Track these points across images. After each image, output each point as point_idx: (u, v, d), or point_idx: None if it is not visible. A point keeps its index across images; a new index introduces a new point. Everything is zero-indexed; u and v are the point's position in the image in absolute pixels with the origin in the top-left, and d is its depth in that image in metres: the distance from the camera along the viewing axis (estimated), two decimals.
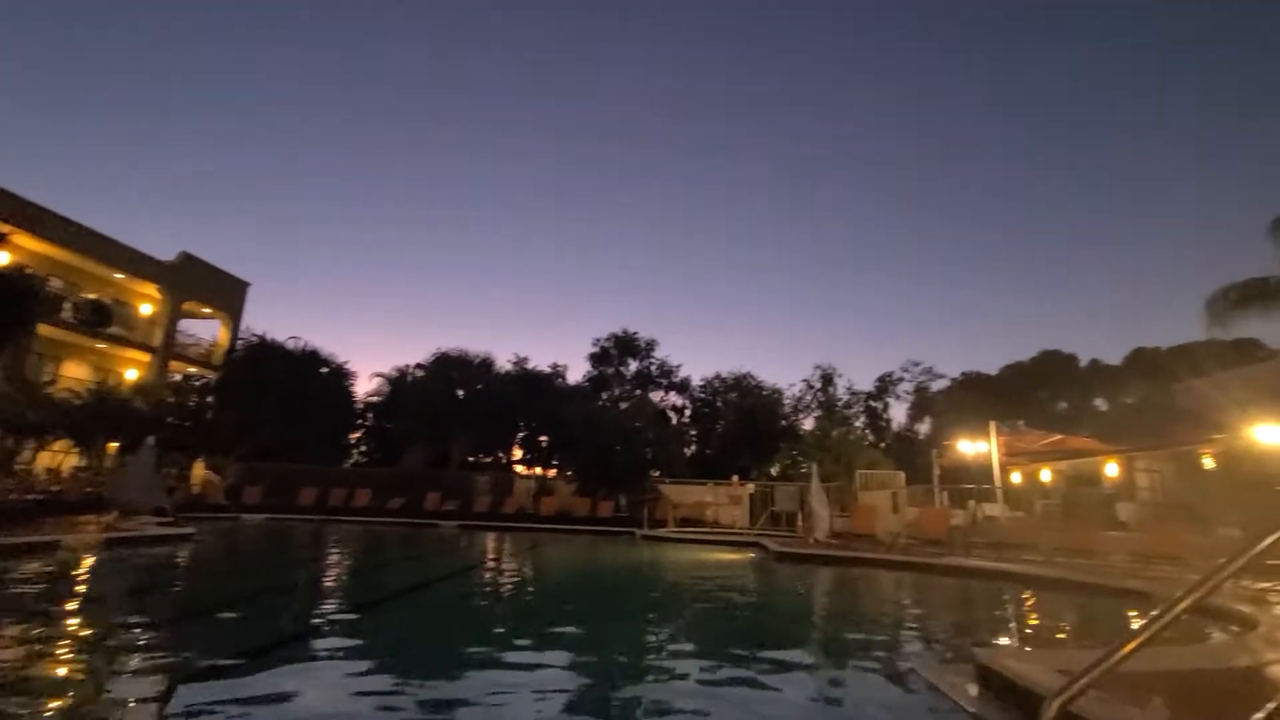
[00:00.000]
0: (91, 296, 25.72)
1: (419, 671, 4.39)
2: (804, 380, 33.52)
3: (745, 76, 59.15)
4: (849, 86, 56.25)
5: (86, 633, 5.10)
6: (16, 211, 22.54)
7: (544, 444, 30.44)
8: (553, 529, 20.03)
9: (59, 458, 20.11)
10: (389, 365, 33.49)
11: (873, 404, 35.36)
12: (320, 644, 5.09)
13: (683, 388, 32.32)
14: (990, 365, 37.98)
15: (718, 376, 32.77)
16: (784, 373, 68.36)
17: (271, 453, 24.58)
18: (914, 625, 7.34)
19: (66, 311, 24.01)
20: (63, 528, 11.36)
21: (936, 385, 36.72)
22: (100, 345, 26.03)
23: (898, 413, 37.18)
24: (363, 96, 56.28)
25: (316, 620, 6.11)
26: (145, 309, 28.68)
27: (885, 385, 35.96)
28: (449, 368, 29.91)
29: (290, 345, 28.29)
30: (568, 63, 57.65)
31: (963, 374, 37.73)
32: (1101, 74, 52.95)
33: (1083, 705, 2.69)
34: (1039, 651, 5.59)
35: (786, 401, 32.76)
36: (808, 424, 32.06)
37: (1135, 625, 2.66)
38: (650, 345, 31.99)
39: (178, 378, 27.91)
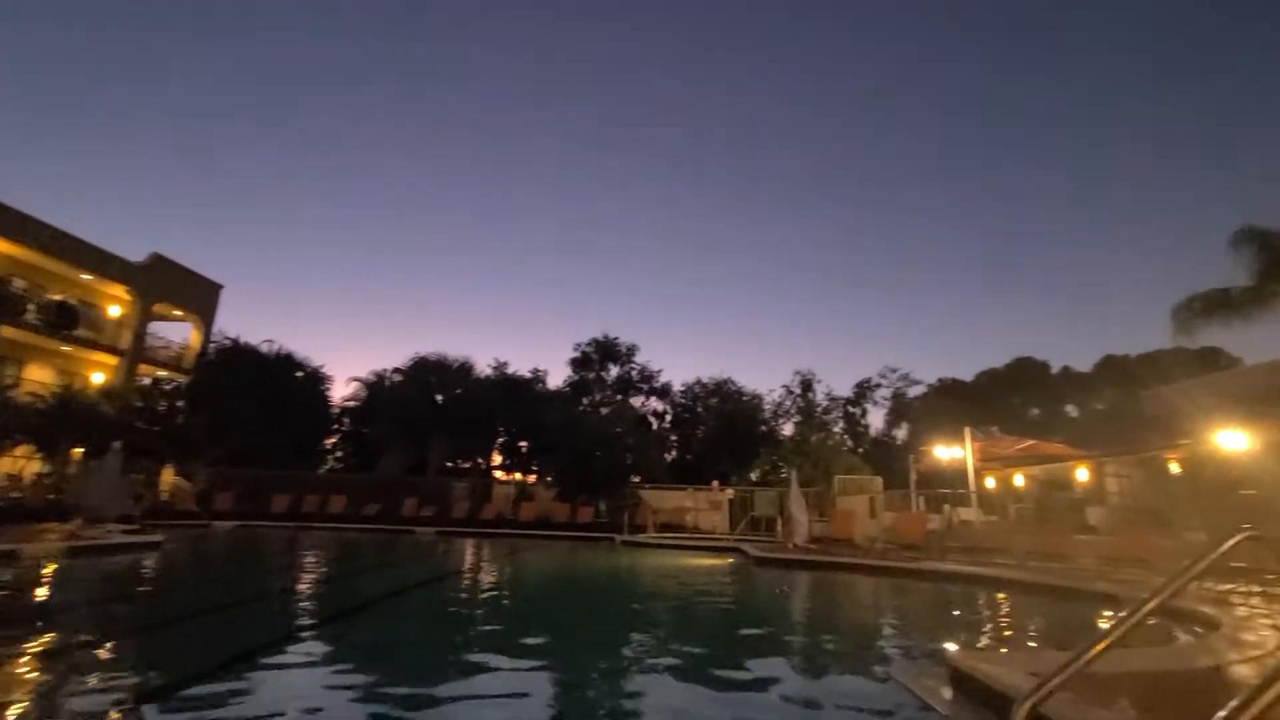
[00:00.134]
0: (57, 298, 25.04)
1: (392, 683, 4.31)
2: (784, 386, 33.76)
3: (725, 86, 59.70)
4: (826, 96, 57.06)
5: (43, 647, 4.93)
6: None
7: (524, 449, 30.22)
8: (532, 535, 19.88)
9: (20, 463, 19.50)
10: (366, 370, 33.11)
11: (851, 410, 35.70)
12: (290, 656, 4.97)
13: (663, 393, 32.33)
14: (966, 372, 38.71)
15: (698, 382, 32.86)
16: (764, 378, 68.80)
17: (244, 458, 24.07)
18: (890, 629, 7.40)
19: (30, 313, 23.33)
20: (23, 536, 10.99)
21: (914, 391, 37.21)
22: (66, 348, 25.33)
23: (876, 418, 37.59)
24: (340, 97, 55.74)
25: (286, 631, 5.98)
26: (114, 311, 27.98)
27: (863, 391, 36.33)
28: (427, 372, 29.59)
29: (264, 349, 27.80)
30: (547, 67, 57.70)
31: (939, 380, 38.33)
32: (1076, 86, 54.36)
33: (1052, 707, 2.72)
34: (1011, 654, 5.66)
35: (766, 407, 32.95)
36: (787, 429, 32.30)
37: (1104, 627, 2.70)
38: (631, 350, 31.98)
39: (147, 381, 27.23)
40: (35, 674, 4.14)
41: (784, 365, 61.87)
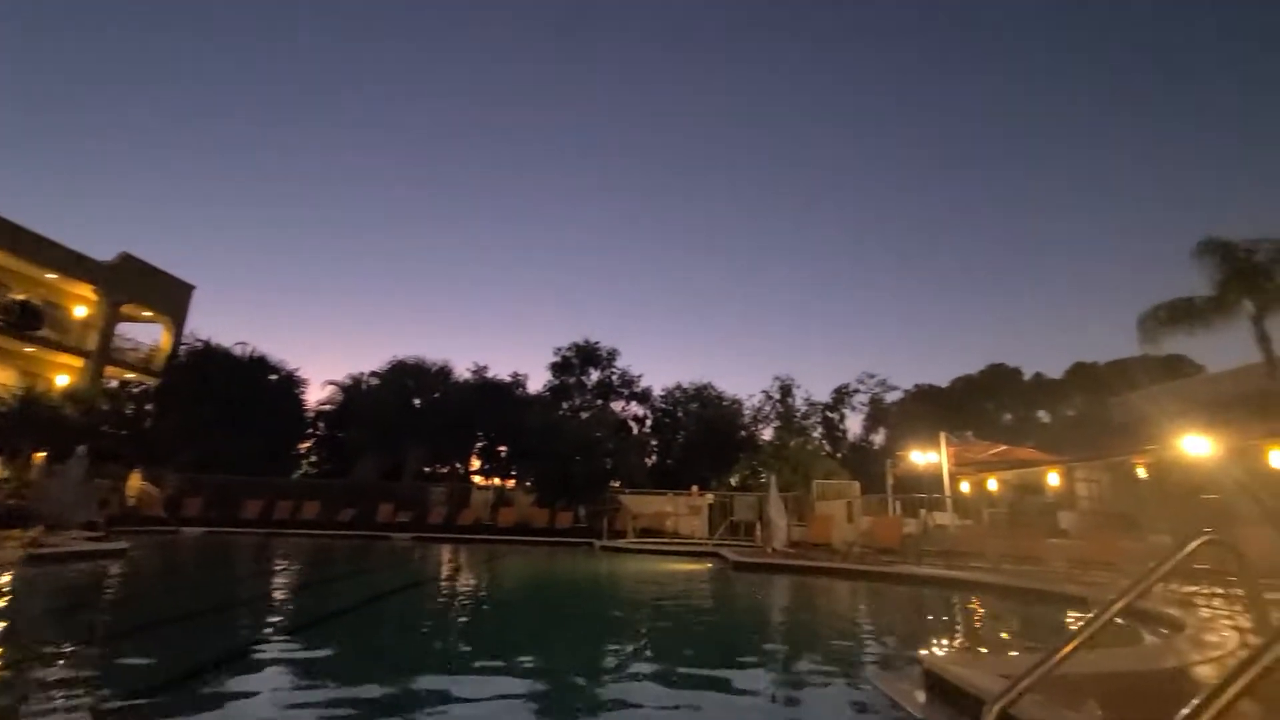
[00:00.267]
0: (20, 297, 24.34)
1: (358, 696, 4.22)
2: (763, 391, 34.01)
3: (702, 90, 60.12)
4: (805, 104, 57.75)
5: None
6: None
7: (503, 454, 30.01)
8: (510, 540, 19.72)
9: None
10: (343, 373, 32.60)
11: (830, 415, 36.06)
12: (251, 669, 4.83)
13: (644, 398, 32.37)
14: (942, 378, 39.29)
15: (679, 387, 32.97)
16: (744, 383, 69.24)
17: (214, 463, 23.54)
18: (866, 633, 7.45)
19: None
20: None
21: (891, 397, 37.71)
22: (29, 349, 24.61)
23: (854, 424, 38.03)
24: (318, 98, 55.04)
25: (253, 641, 5.83)
26: (80, 311, 27.25)
27: (842, 396, 36.74)
28: (405, 376, 29.26)
29: (237, 351, 27.26)
30: (526, 71, 57.61)
31: (916, 386, 38.86)
32: (1053, 98, 55.68)
33: (1022, 709, 2.75)
34: (984, 657, 5.74)
35: (746, 412, 33.16)
36: (767, 434, 32.50)
37: (1073, 629, 2.75)
38: (612, 355, 31.98)
39: (114, 384, 26.53)
40: None
41: (764, 370, 62.55)
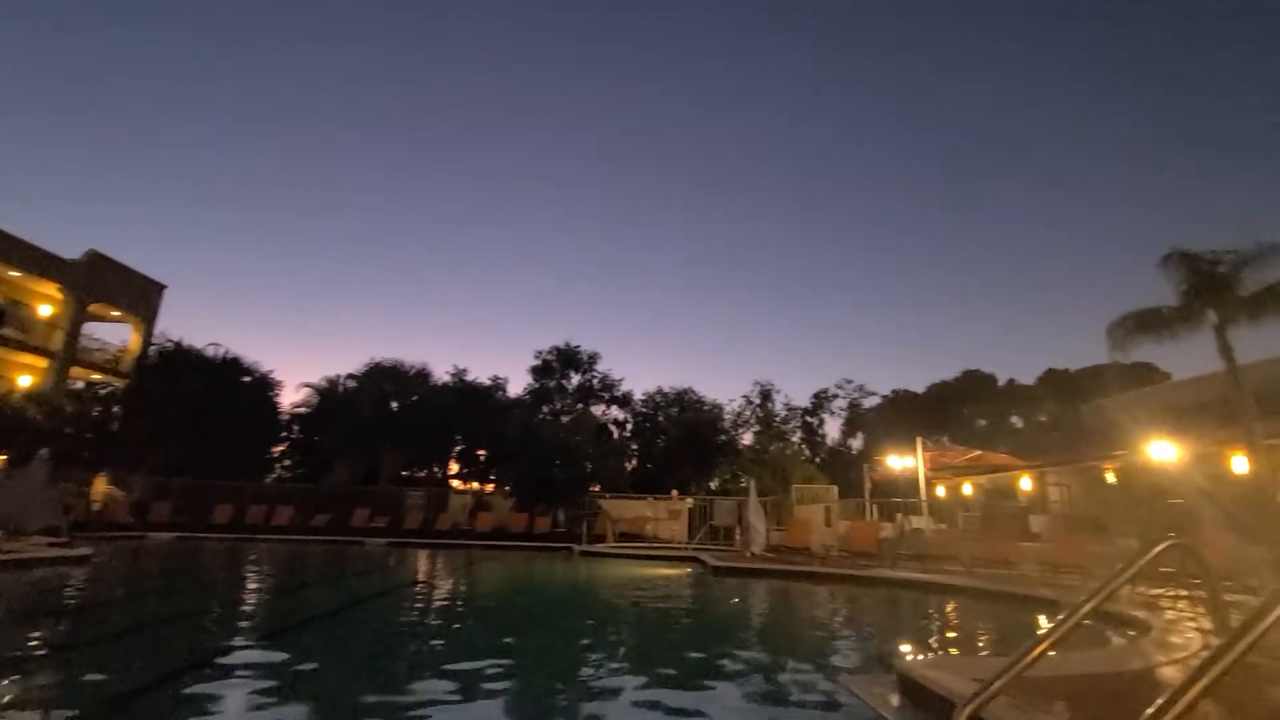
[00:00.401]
0: None
1: (325, 708, 4.14)
2: (744, 396, 34.18)
3: (683, 96, 60.49)
4: (784, 112, 58.37)
5: None
6: None
7: (482, 458, 29.72)
8: (488, 545, 19.53)
9: None
10: (318, 375, 32.02)
11: (809, 420, 36.37)
12: (214, 680, 4.70)
13: (625, 402, 32.29)
14: (918, 383, 39.86)
15: (659, 391, 32.97)
16: (725, 388, 69.57)
17: (184, 467, 22.98)
18: (842, 637, 7.50)
19: None
20: None
21: (869, 402, 38.16)
22: None
23: (832, 428, 38.41)
24: (297, 97, 54.30)
25: (218, 651, 5.68)
26: (45, 310, 26.47)
27: (821, 401, 37.09)
28: (383, 379, 28.85)
29: (209, 352, 26.63)
30: (507, 74, 57.47)
31: (893, 391, 39.38)
32: (1028, 107, 56.93)
33: (992, 711, 2.79)
34: (957, 659, 5.81)
35: (727, 416, 33.28)
36: (747, 439, 32.65)
37: (1042, 632, 2.79)
38: (593, 359, 31.87)
39: (80, 385, 25.79)
40: None
41: (744, 375, 62.96)
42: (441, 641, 6.72)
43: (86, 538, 14.73)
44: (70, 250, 26.59)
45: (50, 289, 26.08)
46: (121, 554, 14.37)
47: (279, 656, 5.51)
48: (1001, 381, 38.56)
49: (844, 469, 31.29)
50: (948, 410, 36.90)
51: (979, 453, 21.60)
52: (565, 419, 29.11)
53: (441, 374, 30.19)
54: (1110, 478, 18.88)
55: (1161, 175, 53.11)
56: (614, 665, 5.58)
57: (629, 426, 32.53)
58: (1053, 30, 52.78)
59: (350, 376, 29.46)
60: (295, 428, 29.77)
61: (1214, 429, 14.15)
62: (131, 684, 4.30)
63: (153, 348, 27.58)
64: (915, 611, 9.18)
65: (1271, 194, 44.63)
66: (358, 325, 58.51)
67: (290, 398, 29.45)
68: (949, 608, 9.36)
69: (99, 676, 4.60)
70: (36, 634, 6.20)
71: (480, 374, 30.87)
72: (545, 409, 30.46)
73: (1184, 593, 8.00)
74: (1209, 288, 12.79)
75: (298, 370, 56.36)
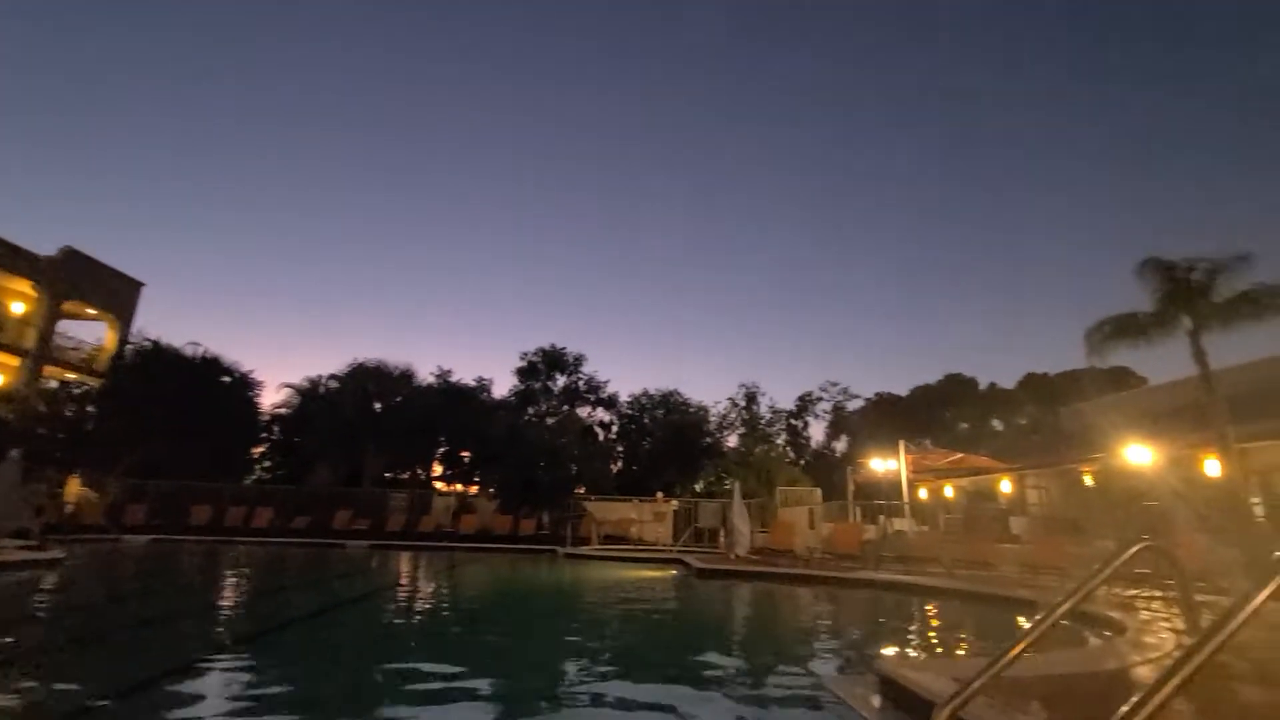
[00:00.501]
0: None
1: (308, 714, 4.08)
2: (729, 398, 34.28)
3: (667, 96, 60.67)
4: (768, 115, 58.75)
5: None
6: None
7: (466, 460, 29.52)
8: (472, 548, 19.40)
9: None
10: (300, 376, 31.63)
11: (793, 422, 36.56)
12: (194, 684, 4.62)
13: (610, 404, 32.24)
14: (901, 387, 40.27)
15: (645, 393, 32.95)
16: (710, 390, 69.74)
17: (161, 468, 22.56)
18: (825, 638, 7.54)
19: None
20: None
21: (852, 405, 38.45)
22: None
23: (816, 431, 38.64)
24: (279, 96, 53.68)
25: (191, 657, 5.56)
26: (17, 307, 25.87)
27: (805, 404, 37.32)
28: (366, 379, 28.55)
29: (188, 352, 26.18)
30: (496, 76, 57.28)
31: (876, 394, 39.73)
32: (1009, 111, 57.78)
33: (971, 711, 2.81)
34: (937, 660, 5.86)
35: (712, 419, 33.34)
36: (732, 441, 32.73)
37: (1020, 633, 2.82)
38: (578, 360, 31.79)
39: (53, 384, 25.23)
40: None
41: (729, 377, 63.25)
42: (422, 645, 6.65)
43: (59, 540, 14.42)
44: (46, 246, 26.08)
45: (23, 285, 25.50)
46: (95, 557, 14.08)
47: (255, 662, 5.42)
48: (983, 385, 39.07)
49: (828, 471, 31.50)
50: (930, 413, 37.31)
51: (960, 456, 21.84)
52: (550, 421, 29.00)
53: (426, 375, 30.02)
54: (1088, 480, 19.17)
55: (1141, 182, 54.18)
56: (597, 668, 5.56)
57: (614, 428, 32.49)
58: (1033, 31, 53.70)
59: (332, 377, 29.15)
60: (276, 428, 29.39)
61: (1188, 433, 14.42)
62: (99, 692, 4.20)
63: (129, 346, 27.06)
64: (897, 613, 9.25)
65: (1250, 200, 45.75)
66: (340, 325, 57.99)
67: (271, 398, 29.11)
68: (930, 609, 9.45)
69: (67, 686, 4.49)
70: (3, 640, 6.04)
71: (465, 375, 30.77)
72: (530, 410, 30.33)
73: (1158, 594, 8.15)
74: (1183, 294, 13.03)
75: (279, 370, 55.77)
